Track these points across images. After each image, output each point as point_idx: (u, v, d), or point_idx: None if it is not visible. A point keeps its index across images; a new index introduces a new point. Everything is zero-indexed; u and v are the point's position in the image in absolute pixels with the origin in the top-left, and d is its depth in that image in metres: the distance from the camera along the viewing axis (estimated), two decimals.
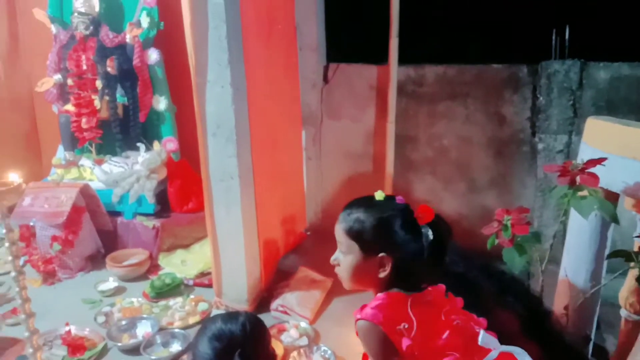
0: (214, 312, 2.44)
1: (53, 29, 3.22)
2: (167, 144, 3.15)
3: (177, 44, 2.56)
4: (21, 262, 1.73)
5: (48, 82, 3.20)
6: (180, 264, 2.82)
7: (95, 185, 3.04)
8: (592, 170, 1.62)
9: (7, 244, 1.62)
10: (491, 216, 1.79)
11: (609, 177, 1.67)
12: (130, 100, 3.16)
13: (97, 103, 3.11)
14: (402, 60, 2.97)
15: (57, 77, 3.19)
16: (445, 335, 1.23)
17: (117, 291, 2.67)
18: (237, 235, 2.33)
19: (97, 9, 3.13)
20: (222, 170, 2.28)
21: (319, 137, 3.36)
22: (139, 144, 3.11)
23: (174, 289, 2.62)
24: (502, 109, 2.95)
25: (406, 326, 1.23)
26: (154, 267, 2.85)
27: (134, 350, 2.15)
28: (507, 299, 1.93)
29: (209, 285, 2.59)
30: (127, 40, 3.06)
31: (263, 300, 2.49)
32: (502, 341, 1.32)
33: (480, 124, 3.01)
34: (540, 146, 2.84)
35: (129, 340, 2.21)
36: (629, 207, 1.74)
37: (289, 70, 2.87)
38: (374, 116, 3.22)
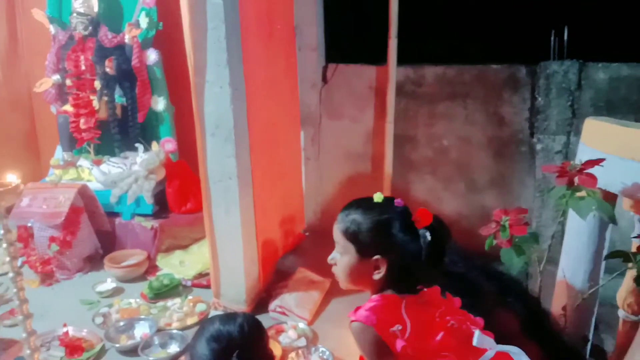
0: (212, 313, 2.44)
1: (52, 29, 3.22)
2: (166, 145, 3.15)
3: (176, 44, 2.56)
4: (19, 262, 1.73)
5: (47, 83, 3.20)
6: (178, 265, 2.82)
7: (94, 185, 3.04)
8: (590, 171, 1.62)
9: (4, 245, 1.62)
10: (490, 216, 1.79)
11: (607, 178, 1.67)
12: (129, 100, 3.16)
13: (95, 103, 3.11)
14: (401, 60, 2.98)
15: (56, 77, 3.19)
16: (439, 337, 1.24)
17: (115, 292, 2.67)
18: (236, 236, 2.33)
19: (96, 9, 3.13)
20: (221, 171, 2.27)
21: (318, 138, 3.36)
22: (137, 145, 3.10)
23: (172, 289, 2.62)
24: (501, 109, 2.95)
25: (400, 328, 1.24)
26: (152, 268, 2.85)
27: (132, 351, 2.15)
28: (505, 300, 1.92)
29: (207, 286, 2.59)
30: (126, 40, 3.06)
31: (261, 301, 2.49)
32: (501, 341, 1.32)
33: (479, 124, 3.01)
34: (538, 147, 2.84)
35: (127, 341, 2.21)
36: (627, 207, 1.74)
37: (288, 71, 2.87)
38: (373, 116, 3.22)
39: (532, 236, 1.73)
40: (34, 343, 1.73)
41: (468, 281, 1.94)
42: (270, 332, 2.21)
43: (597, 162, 1.62)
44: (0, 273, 2.82)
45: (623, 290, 1.80)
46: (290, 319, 2.35)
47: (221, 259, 2.41)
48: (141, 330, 2.29)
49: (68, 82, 3.14)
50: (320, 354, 2.10)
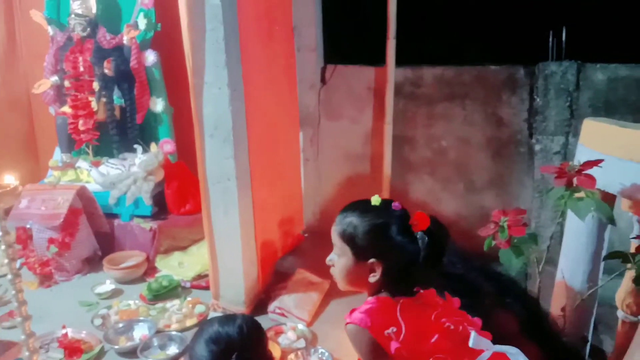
0: (211, 314, 2.44)
1: (50, 30, 3.21)
2: (165, 146, 3.15)
3: (174, 45, 2.56)
4: (18, 264, 1.72)
5: (45, 84, 3.20)
6: (177, 266, 2.82)
7: (92, 187, 3.03)
8: (589, 171, 1.62)
9: (3, 247, 1.61)
10: (489, 217, 1.79)
11: (606, 179, 1.67)
12: (128, 102, 3.15)
13: (94, 105, 3.11)
14: (400, 61, 2.98)
15: (54, 78, 3.19)
16: (434, 339, 1.24)
17: (114, 293, 2.66)
18: (235, 237, 2.33)
19: (94, 10, 3.13)
20: (220, 172, 2.27)
21: (317, 138, 3.36)
22: (136, 146, 3.10)
23: (171, 291, 2.62)
24: (500, 110, 2.95)
25: (395, 330, 1.24)
26: (151, 270, 2.85)
27: (131, 353, 2.14)
28: (504, 300, 1.92)
29: (206, 288, 2.59)
30: (125, 41, 3.06)
31: (260, 302, 2.48)
32: (500, 342, 1.32)
33: (478, 125, 3.01)
34: (537, 147, 2.84)
35: (126, 343, 2.21)
36: (625, 208, 1.74)
37: (286, 72, 2.87)
38: (372, 117, 3.23)
39: (530, 237, 1.74)
40: (32, 345, 1.73)
41: (467, 282, 1.95)
42: (270, 334, 2.21)
43: (596, 162, 1.62)
44: None
45: (622, 291, 1.80)
46: (289, 320, 2.35)
47: (220, 260, 2.41)
48: (140, 332, 2.29)
49: (66, 83, 3.14)
50: (320, 355, 2.09)
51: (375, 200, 1.37)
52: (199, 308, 2.46)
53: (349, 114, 3.28)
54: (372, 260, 1.32)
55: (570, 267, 1.93)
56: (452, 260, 1.55)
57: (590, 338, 1.98)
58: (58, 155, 3.26)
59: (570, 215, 1.82)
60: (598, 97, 2.67)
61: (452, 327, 1.28)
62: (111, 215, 3.03)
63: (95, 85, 3.10)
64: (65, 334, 2.20)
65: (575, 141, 2.26)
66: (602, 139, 1.78)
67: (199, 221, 2.57)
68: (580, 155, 1.79)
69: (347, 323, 1.30)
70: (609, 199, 1.74)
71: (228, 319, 1.42)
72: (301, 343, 2.18)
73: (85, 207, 2.92)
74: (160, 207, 3.07)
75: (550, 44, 2.74)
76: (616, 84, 2.63)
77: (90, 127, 3.12)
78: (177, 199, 3.07)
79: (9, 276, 1.65)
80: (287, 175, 2.95)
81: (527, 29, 2.77)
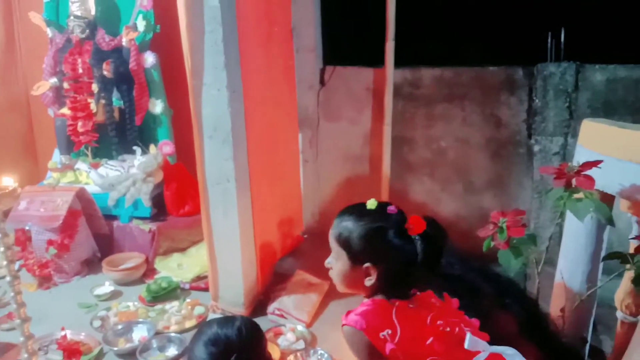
0: (211, 315, 2.43)
1: (49, 32, 3.21)
2: (164, 147, 3.14)
3: (173, 47, 2.55)
4: (16, 266, 1.72)
5: (44, 86, 3.19)
6: (176, 268, 2.81)
7: (92, 189, 3.03)
8: (587, 172, 1.62)
9: (2, 248, 1.61)
10: (488, 218, 1.79)
11: (605, 180, 1.67)
12: (127, 103, 3.15)
13: (93, 106, 3.11)
14: (399, 62, 2.98)
15: (53, 80, 3.19)
16: (429, 341, 1.25)
17: (113, 295, 2.66)
18: (234, 239, 2.33)
19: (93, 12, 3.12)
20: (219, 173, 2.27)
21: (316, 140, 3.36)
22: (135, 148, 3.10)
23: (170, 292, 2.62)
24: (499, 111, 2.95)
25: (390, 332, 1.25)
26: (150, 271, 2.85)
27: (130, 354, 2.14)
28: (503, 301, 1.92)
29: (206, 289, 2.59)
30: (124, 43, 3.06)
31: (260, 304, 2.48)
32: (499, 343, 1.32)
33: (477, 126, 3.01)
34: (536, 148, 2.85)
35: (125, 344, 2.21)
36: (624, 209, 1.74)
37: (285, 73, 2.87)
38: (371, 118, 3.23)
39: (529, 238, 1.73)
40: (31, 347, 1.72)
41: (466, 283, 1.95)
42: (269, 335, 2.21)
43: (595, 163, 1.62)
44: None
45: (621, 292, 1.81)
46: (288, 321, 2.35)
47: (219, 262, 2.41)
48: (139, 334, 2.29)
49: (65, 85, 3.13)
50: (319, 357, 2.09)
51: (371, 204, 1.37)
52: (198, 309, 2.46)
53: (348, 115, 3.28)
54: (367, 264, 1.32)
55: (570, 267, 1.93)
56: (450, 261, 1.55)
57: (589, 339, 1.98)
58: (57, 157, 3.26)
59: (569, 216, 1.82)
60: (597, 97, 2.67)
61: (447, 329, 1.28)
62: (110, 217, 3.03)
63: (94, 87, 3.10)
64: (64, 336, 2.20)
65: (574, 142, 2.26)
66: (601, 140, 1.78)
67: (198, 223, 2.56)
68: (579, 156, 1.80)
69: (343, 325, 1.31)
70: (607, 199, 1.74)
71: (227, 320, 1.43)
72: (300, 344, 2.18)
73: (84, 208, 2.92)
74: (160, 208, 3.07)
75: (549, 44, 2.75)
76: (615, 85, 2.63)
77: (90, 129, 3.12)
78: (176, 200, 3.07)
79: (8, 278, 1.65)
80: (286, 177, 2.95)
81: (526, 30, 2.78)
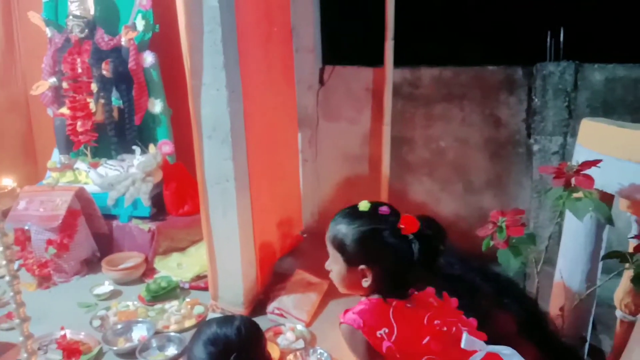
0: (210, 315, 2.43)
1: (48, 32, 3.21)
2: (163, 147, 3.14)
3: (172, 46, 2.56)
4: (16, 266, 1.72)
5: (43, 85, 3.19)
6: (176, 267, 2.81)
7: (91, 188, 3.03)
8: (587, 172, 1.62)
9: (1, 248, 1.61)
10: (488, 217, 1.79)
11: (604, 179, 1.67)
12: (126, 103, 3.15)
13: (92, 106, 3.11)
14: (398, 62, 2.98)
15: (52, 80, 3.19)
16: (425, 341, 1.26)
17: (113, 295, 2.66)
18: (233, 238, 2.33)
19: (92, 11, 3.12)
20: (218, 173, 2.27)
21: (315, 139, 3.36)
22: (134, 147, 3.10)
23: (169, 292, 2.62)
24: (498, 110, 2.95)
25: (387, 331, 1.26)
26: (149, 271, 2.85)
27: (130, 354, 2.14)
28: (502, 301, 1.93)
29: (205, 289, 2.59)
30: (123, 43, 3.06)
31: (259, 303, 2.48)
32: (498, 342, 1.33)
33: (476, 125, 3.01)
34: (535, 147, 2.85)
35: (124, 344, 2.21)
36: (623, 208, 1.75)
37: (285, 73, 2.87)
38: (370, 118, 3.23)
39: (529, 237, 1.74)
40: (31, 346, 1.72)
41: (465, 282, 1.95)
42: (268, 334, 2.21)
43: (594, 163, 1.63)
44: None
45: (620, 291, 1.81)
46: (288, 320, 2.35)
47: (219, 261, 2.41)
48: (139, 333, 2.29)
49: (65, 84, 3.13)
50: (318, 356, 2.09)
51: (364, 205, 1.37)
52: (198, 309, 2.46)
53: (347, 115, 3.28)
54: (362, 266, 1.33)
55: (569, 267, 1.94)
56: (450, 261, 1.56)
57: (588, 338, 1.98)
58: (56, 157, 3.25)
59: (568, 215, 1.83)
60: (596, 97, 2.67)
61: (445, 328, 1.29)
62: (110, 217, 3.03)
63: (94, 87, 3.10)
64: (64, 335, 2.20)
65: (574, 141, 2.26)
66: (600, 139, 1.78)
67: (197, 222, 2.56)
68: (579, 156, 1.80)
69: (341, 323, 1.32)
70: (607, 199, 1.74)
71: (226, 320, 1.43)
72: (300, 343, 2.18)
73: (83, 208, 2.92)
74: (159, 208, 3.07)
75: (548, 44, 2.75)
76: (614, 84, 2.63)
77: (89, 129, 3.12)
78: (175, 200, 3.07)
79: (7, 277, 1.65)
80: (285, 176, 2.95)
81: (525, 30, 2.78)
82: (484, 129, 3.00)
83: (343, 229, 1.35)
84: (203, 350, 1.34)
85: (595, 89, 2.67)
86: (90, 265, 2.93)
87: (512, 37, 2.80)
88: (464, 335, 1.28)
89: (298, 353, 2.11)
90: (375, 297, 1.34)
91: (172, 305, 2.50)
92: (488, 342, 1.32)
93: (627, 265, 1.69)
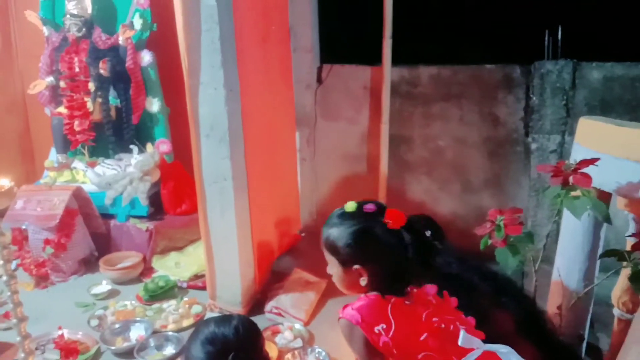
0: (208, 314, 2.43)
1: (45, 31, 3.20)
2: (160, 146, 3.14)
3: (170, 45, 2.55)
4: (13, 265, 1.72)
5: (40, 85, 3.19)
6: (174, 267, 2.81)
7: (88, 187, 3.03)
8: (584, 170, 1.62)
9: None
10: (486, 216, 1.79)
11: (602, 177, 1.67)
12: (123, 102, 3.14)
13: (89, 105, 3.10)
14: (396, 61, 2.98)
15: (50, 79, 3.18)
16: (422, 337, 1.27)
17: (111, 294, 2.66)
18: (231, 237, 2.33)
19: (89, 10, 3.12)
20: (216, 172, 2.27)
21: (313, 138, 3.36)
22: (132, 146, 3.10)
23: (167, 291, 2.61)
24: (496, 109, 2.96)
25: (384, 327, 1.28)
26: (147, 270, 2.84)
27: (128, 353, 2.14)
28: (500, 300, 1.93)
29: (203, 288, 2.59)
30: (120, 42, 3.05)
31: (257, 302, 2.48)
32: (496, 341, 1.33)
33: (474, 124, 3.02)
34: (533, 146, 2.85)
35: (122, 343, 2.20)
36: (621, 206, 1.75)
37: (283, 72, 2.86)
38: (368, 117, 3.23)
39: (527, 236, 1.74)
40: (28, 346, 1.72)
41: (463, 281, 1.95)
42: (266, 334, 2.21)
43: (592, 161, 1.63)
44: None
45: (618, 289, 1.81)
46: (286, 320, 2.35)
47: (217, 261, 2.40)
48: (137, 333, 2.29)
49: (62, 83, 3.13)
50: (317, 355, 2.10)
51: (350, 206, 1.39)
52: (196, 308, 2.46)
53: (345, 114, 3.28)
54: (356, 266, 1.35)
55: (567, 265, 1.94)
56: (448, 260, 1.56)
57: (586, 336, 1.99)
58: (54, 156, 3.25)
59: (566, 213, 1.82)
60: (594, 95, 2.67)
61: (442, 326, 1.30)
62: (107, 216, 3.03)
63: (91, 86, 3.09)
64: (62, 335, 2.20)
65: (571, 140, 2.26)
66: (598, 138, 1.78)
67: (195, 221, 2.56)
68: (576, 154, 1.80)
69: (340, 318, 1.34)
70: (604, 197, 1.74)
71: (224, 319, 1.42)
72: (298, 343, 2.18)
73: (81, 207, 2.92)
74: (157, 207, 3.07)
75: (546, 42, 2.75)
76: (612, 83, 2.64)
77: (86, 128, 3.11)
78: (173, 199, 3.07)
79: (5, 277, 1.64)
80: (283, 176, 2.95)
81: (523, 28, 2.78)
82: (482, 128, 3.01)
83: (334, 232, 1.38)
84: (201, 349, 1.34)
85: (593, 88, 2.67)
86: (88, 264, 2.93)
87: (510, 35, 2.81)
88: (462, 333, 1.28)
89: (296, 352, 2.11)
90: (373, 293, 1.35)
91: (170, 304, 2.49)
92: (486, 341, 1.32)
93: (624, 263, 1.69)
